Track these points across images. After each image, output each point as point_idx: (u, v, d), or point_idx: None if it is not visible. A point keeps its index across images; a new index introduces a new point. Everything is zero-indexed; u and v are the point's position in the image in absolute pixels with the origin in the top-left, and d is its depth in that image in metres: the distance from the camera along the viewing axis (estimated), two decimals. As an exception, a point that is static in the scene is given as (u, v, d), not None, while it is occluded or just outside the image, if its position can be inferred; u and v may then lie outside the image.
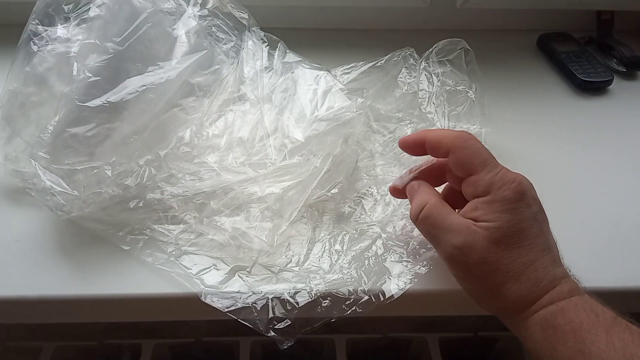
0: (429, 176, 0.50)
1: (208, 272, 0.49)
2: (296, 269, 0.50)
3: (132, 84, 0.51)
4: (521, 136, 0.66)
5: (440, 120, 0.60)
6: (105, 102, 0.50)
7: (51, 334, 0.81)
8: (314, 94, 0.58)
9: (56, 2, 0.55)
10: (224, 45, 0.62)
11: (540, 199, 0.45)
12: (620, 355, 0.37)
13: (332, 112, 0.56)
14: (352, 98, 0.57)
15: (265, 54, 0.63)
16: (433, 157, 0.49)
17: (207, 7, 0.61)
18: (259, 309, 0.46)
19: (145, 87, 0.51)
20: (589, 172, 0.63)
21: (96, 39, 0.52)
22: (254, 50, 0.63)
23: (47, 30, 0.55)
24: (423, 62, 0.63)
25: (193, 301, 0.47)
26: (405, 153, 0.50)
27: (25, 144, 0.53)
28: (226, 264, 0.49)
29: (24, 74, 0.54)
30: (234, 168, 0.53)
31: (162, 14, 0.56)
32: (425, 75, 0.63)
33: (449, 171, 0.48)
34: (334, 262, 0.50)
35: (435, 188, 0.49)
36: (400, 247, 0.52)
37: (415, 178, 0.49)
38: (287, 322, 0.46)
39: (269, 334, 0.46)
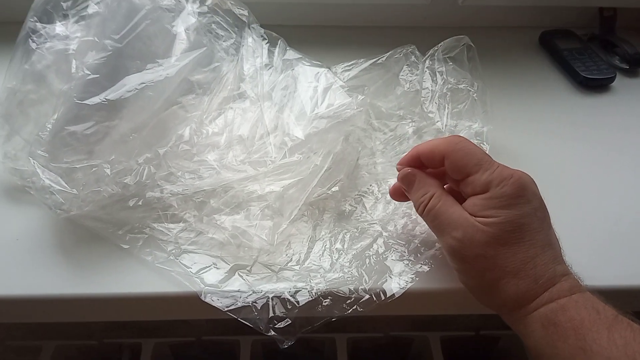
0: None
1: (208, 271, 0.48)
2: (297, 267, 0.49)
3: (131, 82, 0.51)
4: (523, 133, 0.66)
5: (441, 120, 0.60)
6: (104, 99, 0.49)
7: (51, 333, 0.81)
8: (314, 92, 0.57)
9: (55, -1, 0.55)
10: (223, 43, 0.62)
11: (541, 196, 0.45)
12: (622, 353, 0.37)
13: (332, 109, 0.55)
14: (353, 95, 0.57)
15: (265, 51, 0.63)
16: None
17: (207, 4, 0.61)
18: (259, 308, 0.46)
19: (144, 84, 0.51)
20: (591, 169, 0.62)
21: (95, 36, 0.52)
22: (254, 48, 0.62)
23: (45, 27, 0.55)
24: (427, 61, 0.63)
25: (193, 300, 0.47)
26: (406, 151, 0.50)
27: (24, 142, 0.53)
28: (226, 263, 0.49)
29: (23, 71, 0.54)
30: (233, 166, 0.53)
31: (161, 10, 0.56)
32: (428, 73, 0.62)
33: (447, 175, 0.48)
34: (334, 260, 0.50)
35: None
36: (401, 246, 0.52)
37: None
38: (287, 321, 0.46)
39: (269, 334, 0.45)
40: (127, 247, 0.50)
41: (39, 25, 0.55)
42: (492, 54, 0.77)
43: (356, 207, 0.55)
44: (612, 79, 0.74)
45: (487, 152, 0.57)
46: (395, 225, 0.54)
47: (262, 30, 0.64)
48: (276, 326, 0.46)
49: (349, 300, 0.47)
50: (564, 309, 0.40)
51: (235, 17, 0.63)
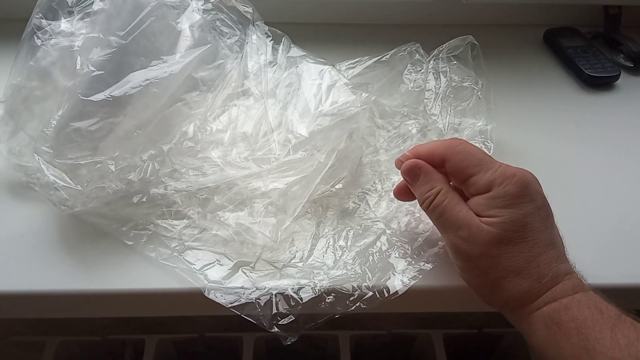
0: None
1: (211, 268, 0.48)
2: (300, 264, 0.49)
3: (136, 78, 0.51)
4: (527, 131, 0.66)
5: (443, 121, 0.60)
6: (109, 96, 0.49)
7: (55, 329, 0.82)
8: (318, 89, 0.57)
9: (60, -5, 0.55)
10: (228, 40, 0.62)
11: (545, 194, 0.45)
12: (625, 353, 0.37)
13: (336, 107, 0.55)
14: (357, 93, 0.57)
15: (269, 49, 0.62)
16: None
17: (211, 0, 0.61)
18: (262, 304, 0.46)
19: (148, 81, 0.51)
20: (595, 167, 0.62)
21: (100, 32, 0.52)
22: (258, 45, 0.62)
23: (50, 24, 0.55)
24: (432, 61, 0.63)
25: (196, 296, 0.47)
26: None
27: (29, 138, 0.53)
28: (230, 260, 0.49)
29: (28, 68, 0.54)
30: (237, 163, 0.53)
31: (166, 7, 0.56)
32: (432, 74, 0.62)
33: (450, 176, 0.48)
34: (338, 258, 0.50)
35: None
36: (404, 243, 0.52)
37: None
38: (290, 318, 0.46)
39: (272, 330, 0.46)
40: (131, 243, 0.50)
41: (44, 21, 0.55)
42: (496, 51, 0.77)
43: (359, 205, 0.55)
44: (616, 77, 0.74)
45: (491, 150, 0.57)
46: (399, 223, 0.54)
47: (267, 28, 0.64)
48: (279, 323, 0.46)
49: (352, 297, 0.47)
50: (567, 308, 0.40)
51: (239, 14, 0.63)
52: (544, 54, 0.80)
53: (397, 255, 0.51)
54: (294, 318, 0.46)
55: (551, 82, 0.75)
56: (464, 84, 0.62)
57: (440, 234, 0.47)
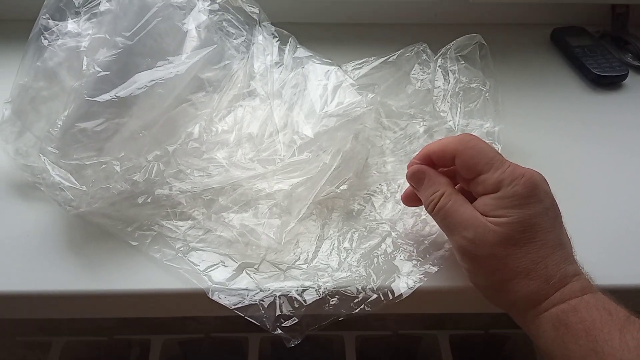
0: None
1: (216, 269, 0.48)
2: (304, 266, 0.49)
3: (142, 79, 0.51)
4: (534, 131, 0.65)
5: (453, 119, 0.59)
6: (114, 97, 0.49)
7: (61, 329, 0.82)
8: (324, 90, 0.57)
9: (67, -4, 0.55)
10: (234, 40, 0.62)
11: (554, 194, 0.44)
12: (634, 355, 0.37)
13: (342, 107, 0.55)
14: (363, 94, 0.56)
15: (275, 49, 0.62)
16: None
17: (218, 1, 0.61)
18: (266, 306, 0.46)
19: (154, 82, 0.51)
20: (603, 167, 0.62)
21: (106, 33, 0.52)
22: (265, 45, 0.62)
23: (57, 24, 0.55)
24: (439, 59, 0.62)
25: (200, 297, 0.47)
26: (417, 151, 0.50)
27: (35, 139, 0.53)
28: (234, 261, 0.49)
29: (35, 68, 0.54)
30: (242, 164, 0.52)
31: (172, 8, 0.56)
32: (440, 72, 0.62)
33: (458, 174, 0.47)
34: (342, 260, 0.50)
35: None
36: (410, 246, 0.51)
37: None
38: (294, 320, 0.46)
39: (275, 332, 0.45)
40: (136, 244, 0.50)
41: (51, 22, 0.55)
42: (503, 51, 0.76)
43: (365, 206, 0.55)
44: (624, 77, 0.73)
45: (499, 151, 0.57)
46: (404, 225, 0.53)
47: (273, 28, 0.64)
48: (283, 325, 0.46)
49: (357, 300, 0.47)
50: (575, 309, 0.40)
51: (246, 15, 0.63)
52: (552, 53, 0.80)
53: (402, 257, 0.50)
54: (297, 320, 0.46)
55: (558, 81, 0.75)
56: (471, 85, 0.62)
57: (446, 237, 0.46)
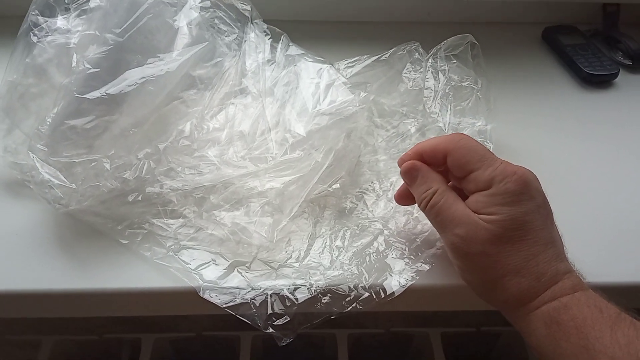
0: None
1: (207, 267, 0.48)
2: (296, 264, 0.49)
3: (132, 76, 0.50)
4: (526, 130, 0.66)
5: (443, 119, 0.59)
6: (104, 94, 0.49)
7: (51, 328, 0.81)
8: (317, 88, 0.57)
9: (57, -8, 0.55)
10: (226, 38, 0.61)
11: (545, 192, 0.44)
12: (625, 352, 0.37)
13: (334, 106, 0.55)
14: (355, 92, 0.56)
15: (267, 47, 0.62)
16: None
17: (209, -2, 0.60)
18: (257, 305, 0.46)
19: (144, 79, 0.50)
20: (595, 165, 0.62)
21: (96, 30, 0.51)
22: (257, 43, 0.62)
23: (47, 21, 0.54)
24: (430, 59, 0.62)
25: (191, 296, 0.46)
26: (409, 149, 0.49)
27: (24, 136, 0.53)
28: (225, 259, 0.49)
29: (24, 65, 0.53)
30: (234, 162, 0.52)
31: (163, 5, 0.55)
32: (431, 72, 0.62)
33: (450, 172, 0.47)
34: (334, 258, 0.50)
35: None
36: (402, 244, 0.51)
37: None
38: (286, 318, 0.46)
39: (267, 330, 0.45)
40: (126, 242, 0.49)
41: (40, 18, 0.54)
42: (495, 49, 0.76)
43: (357, 204, 0.55)
44: (615, 75, 0.74)
45: (490, 149, 0.57)
46: (397, 223, 0.53)
47: (265, 26, 0.63)
48: (274, 323, 0.45)
49: (349, 298, 0.47)
50: (567, 307, 0.40)
51: (238, 12, 0.63)
52: (543, 51, 0.80)
53: (394, 255, 0.50)
54: (289, 318, 0.46)
55: (550, 80, 0.75)
56: (463, 84, 0.62)
57: (438, 235, 0.46)
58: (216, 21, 0.61)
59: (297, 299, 0.46)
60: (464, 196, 0.45)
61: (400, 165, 0.48)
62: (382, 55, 0.63)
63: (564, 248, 0.44)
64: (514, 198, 0.42)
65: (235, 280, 0.47)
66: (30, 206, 0.53)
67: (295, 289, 0.47)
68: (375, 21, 0.82)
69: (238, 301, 0.46)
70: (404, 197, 0.50)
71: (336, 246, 0.51)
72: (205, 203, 0.51)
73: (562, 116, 0.69)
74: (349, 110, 0.55)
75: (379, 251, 0.51)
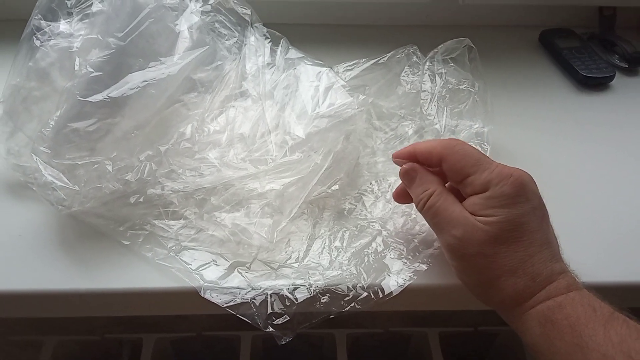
0: None
1: (207, 268, 0.48)
2: (296, 265, 0.49)
3: (134, 79, 0.51)
4: (523, 132, 0.66)
5: (440, 122, 0.60)
6: (107, 97, 0.49)
7: (53, 328, 0.81)
8: (316, 91, 0.57)
9: (59, -3, 0.55)
10: (226, 41, 0.62)
11: (542, 194, 0.45)
12: (618, 350, 0.37)
13: (333, 108, 0.55)
14: (354, 95, 0.56)
15: (267, 50, 0.62)
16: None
17: (210, 2, 0.61)
18: (257, 304, 0.46)
19: (146, 82, 0.51)
20: (591, 166, 0.62)
21: (98, 34, 0.52)
22: (257, 47, 0.62)
23: (50, 25, 0.55)
24: (427, 63, 0.63)
25: (192, 296, 0.47)
26: None
27: (27, 139, 0.53)
28: (226, 260, 0.49)
29: (27, 68, 0.54)
30: (234, 164, 0.52)
31: (165, 9, 0.56)
32: (428, 75, 0.62)
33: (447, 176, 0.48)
34: (333, 258, 0.50)
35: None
36: (400, 244, 0.51)
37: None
38: (285, 317, 0.46)
39: (267, 330, 0.45)
40: (128, 243, 0.50)
41: (43, 23, 0.55)
42: (492, 52, 0.77)
43: (356, 206, 0.55)
44: (611, 78, 0.74)
45: (487, 152, 0.57)
46: (395, 224, 0.53)
47: (265, 29, 0.64)
48: (274, 322, 0.46)
49: (347, 298, 0.47)
50: (561, 306, 0.40)
51: (238, 16, 0.63)
52: (540, 54, 0.80)
53: (392, 256, 0.51)
54: (288, 318, 0.46)
55: (547, 82, 0.75)
56: (460, 87, 0.62)
57: (435, 236, 0.47)
58: (217, 25, 0.62)
59: (296, 299, 0.47)
60: (461, 197, 0.45)
61: (394, 158, 0.49)
62: (380, 59, 0.63)
63: (560, 249, 0.44)
64: (510, 200, 0.42)
65: (235, 280, 0.48)
66: (33, 208, 0.53)
67: (295, 289, 0.47)
68: (374, 24, 0.82)
69: (238, 301, 0.46)
70: (402, 196, 0.50)
71: (335, 247, 0.51)
72: (206, 204, 0.51)
73: (559, 118, 0.69)
74: (347, 113, 0.55)
75: (377, 252, 0.51)
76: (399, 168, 0.49)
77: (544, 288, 0.41)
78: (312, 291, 0.47)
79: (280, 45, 0.63)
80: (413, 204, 0.48)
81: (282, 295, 0.47)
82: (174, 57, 0.54)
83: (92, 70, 0.50)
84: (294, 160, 0.52)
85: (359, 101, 0.56)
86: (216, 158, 0.53)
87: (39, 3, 0.55)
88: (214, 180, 0.51)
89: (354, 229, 0.53)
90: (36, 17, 0.55)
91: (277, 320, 0.46)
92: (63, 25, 0.54)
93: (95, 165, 0.49)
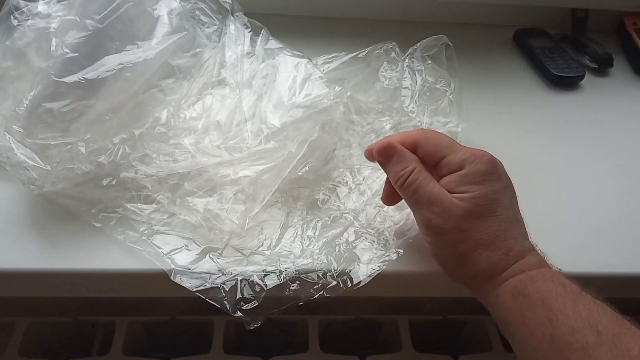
0: None
1: (179, 252, 0.47)
2: (267, 252, 0.48)
3: (110, 62, 0.49)
4: (495, 129, 0.66)
5: (420, 117, 0.59)
6: (82, 78, 0.48)
7: (24, 310, 0.80)
8: (293, 82, 0.56)
9: (38, -23, 0.53)
10: (206, 29, 0.61)
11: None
12: (586, 323, 0.38)
13: (309, 99, 0.54)
14: (330, 86, 0.56)
15: (247, 40, 0.61)
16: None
17: (191, -11, 0.59)
18: (227, 289, 0.45)
19: (122, 65, 0.49)
20: (559, 162, 0.63)
21: (76, 15, 0.50)
22: (237, 35, 0.61)
23: (28, 5, 0.53)
24: (407, 59, 0.62)
25: (163, 279, 0.46)
26: None
27: (1, 118, 0.51)
28: (198, 245, 0.48)
29: (3, 47, 0.52)
30: (209, 151, 0.51)
31: (144, -7, 0.54)
32: (408, 72, 0.62)
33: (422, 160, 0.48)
34: (305, 247, 0.49)
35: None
36: (371, 235, 0.51)
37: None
38: (254, 303, 0.45)
39: (236, 314, 0.45)
40: (100, 225, 0.48)
41: (21, 2, 0.53)
42: (468, 49, 0.76)
43: (330, 197, 0.54)
44: (581, 78, 0.75)
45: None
46: (367, 216, 0.53)
47: (246, 19, 0.62)
48: (243, 307, 0.45)
49: (317, 286, 0.47)
50: (533, 280, 0.41)
51: (219, 5, 0.62)
52: (514, 53, 0.80)
53: (363, 246, 0.50)
54: (257, 303, 0.45)
55: (519, 80, 0.75)
56: (437, 86, 0.62)
57: (407, 228, 0.47)
58: (197, 12, 0.60)
59: (266, 285, 0.46)
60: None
61: (367, 155, 0.49)
62: (359, 53, 0.62)
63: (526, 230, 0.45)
64: (484, 177, 0.43)
65: (206, 265, 0.47)
66: (5, 187, 0.51)
67: (265, 276, 0.46)
68: (354, 18, 0.82)
69: (208, 285, 0.45)
70: (391, 196, 0.50)
71: (307, 236, 0.50)
72: (179, 189, 0.50)
73: (530, 115, 0.69)
74: (323, 104, 0.54)
75: (349, 242, 0.50)
76: (373, 162, 0.48)
77: (517, 262, 0.42)
78: (282, 278, 0.46)
79: (261, 35, 0.62)
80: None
81: (252, 281, 0.46)
82: (151, 42, 0.52)
83: (68, 51, 0.48)
84: (269, 148, 0.51)
85: (335, 92, 0.55)
86: (191, 144, 0.52)
87: (18, -18, 0.53)
88: (188, 165, 0.50)
89: (327, 219, 0.52)
90: (15, -3, 0.53)
91: (246, 305, 0.45)
92: (41, 6, 0.53)
93: (68, 146, 0.47)
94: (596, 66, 0.77)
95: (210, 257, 0.47)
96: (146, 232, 0.48)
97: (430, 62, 0.62)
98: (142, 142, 0.51)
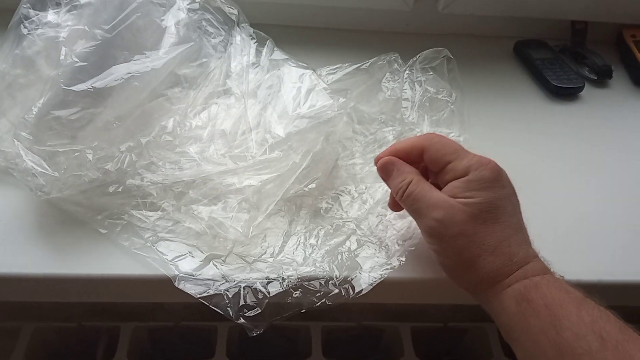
0: None
1: (183, 259, 0.47)
2: (270, 260, 0.48)
3: (118, 71, 0.49)
4: (496, 139, 0.66)
5: (421, 128, 0.59)
6: (90, 87, 0.48)
7: (30, 315, 0.79)
8: (298, 92, 0.56)
9: (48, -13, 0.54)
10: (212, 39, 0.61)
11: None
12: (590, 329, 0.37)
13: (313, 110, 0.54)
14: (334, 97, 0.56)
15: (253, 50, 0.61)
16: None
17: (197, 0, 0.60)
18: (230, 296, 0.45)
19: (130, 74, 0.50)
20: (559, 172, 0.63)
21: (85, 25, 0.50)
22: (242, 46, 0.61)
23: (38, 14, 0.53)
24: (407, 71, 0.62)
25: (167, 285, 0.46)
26: None
27: (10, 125, 0.52)
28: (202, 252, 0.48)
29: (13, 56, 0.52)
30: (214, 159, 0.51)
31: (152, 4, 0.55)
32: (408, 83, 0.62)
33: (427, 171, 0.48)
34: (307, 255, 0.49)
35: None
36: (373, 243, 0.51)
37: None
38: (257, 310, 0.45)
39: (239, 321, 0.44)
40: (105, 231, 0.48)
41: (32, 12, 0.53)
42: (469, 61, 0.76)
43: (332, 205, 0.54)
44: (581, 89, 0.75)
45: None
46: (369, 224, 0.53)
47: (251, 30, 0.63)
48: (246, 314, 0.45)
49: (319, 293, 0.47)
50: (537, 286, 0.41)
51: (225, 16, 0.62)
52: (514, 64, 0.80)
53: (365, 254, 0.50)
54: (260, 310, 0.45)
55: (520, 91, 0.75)
56: (438, 96, 0.62)
57: (408, 236, 0.47)
58: (203, 23, 0.61)
59: (269, 292, 0.46)
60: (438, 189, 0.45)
61: (376, 163, 0.48)
62: (362, 64, 0.63)
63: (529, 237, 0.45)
64: (489, 184, 0.43)
65: (210, 272, 0.47)
66: (14, 193, 0.51)
67: (268, 283, 0.46)
68: (357, 29, 0.82)
69: (212, 292, 0.45)
70: (396, 204, 0.49)
71: (310, 244, 0.50)
72: (184, 197, 0.50)
73: (530, 125, 0.69)
74: (327, 115, 0.54)
75: (351, 250, 0.50)
76: (376, 170, 0.48)
77: (521, 267, 0.42)
78: (285, 285, 0.46)
79: (266, 46, 0.62)
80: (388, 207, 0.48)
81: (255, 288, 0.46)
82: (159, 52, 0.53)
83: (77, 60, 0.48)
84: (273, 158, 0.51)
85: (339, 104, 0.55)
86: (196, 152, 0.51)
87: (28, -8, 0.53)
88: (193, 174, 0.50)
89: (330, 227, 0.52)
90: (25, 6, 0.53)
91: (249, 312, 0.45)
92: (51, 15, 0.53)
93: (76, 153, 0.47)
94: (595, 77, 0.77)
95: (214, 264, 0.47)
96: (151, 238, 0.48)
97: (431, 73, 0.62)
98: (148, 150, 0.50)
